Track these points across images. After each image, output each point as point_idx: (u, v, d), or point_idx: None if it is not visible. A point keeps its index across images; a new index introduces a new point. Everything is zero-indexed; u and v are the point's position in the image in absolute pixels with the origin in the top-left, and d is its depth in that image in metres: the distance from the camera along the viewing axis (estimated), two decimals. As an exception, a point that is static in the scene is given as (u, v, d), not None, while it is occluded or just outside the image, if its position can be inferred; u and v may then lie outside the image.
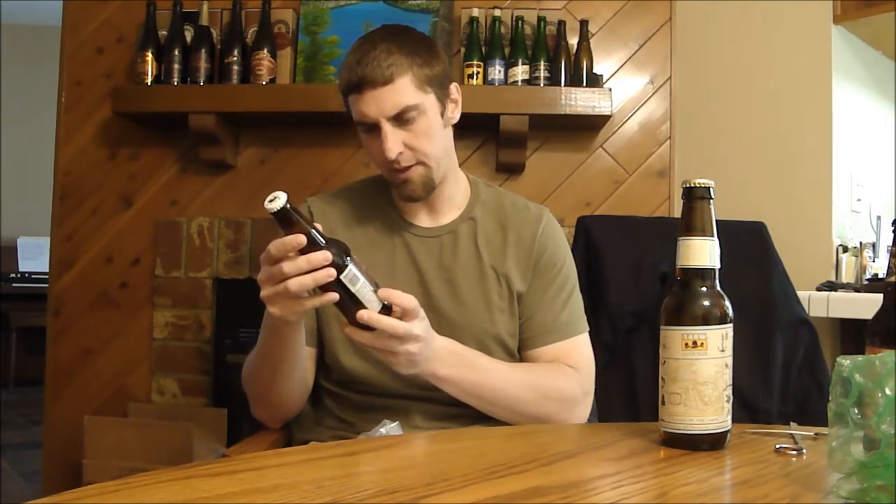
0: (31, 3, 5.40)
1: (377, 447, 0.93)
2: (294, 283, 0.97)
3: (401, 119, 1.19)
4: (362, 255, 1.27)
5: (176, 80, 2.19)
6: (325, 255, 0.96)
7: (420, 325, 1.04)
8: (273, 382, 1.22)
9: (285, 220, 0.96)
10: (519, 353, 1.31)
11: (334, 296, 0.99)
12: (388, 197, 1.33)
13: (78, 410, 2.26)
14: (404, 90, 1.18)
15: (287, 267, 0.97)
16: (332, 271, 0.97)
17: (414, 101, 1.19)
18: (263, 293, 1.02)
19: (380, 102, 1.17)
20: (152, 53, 2.20)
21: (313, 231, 0.97)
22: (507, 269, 1.29)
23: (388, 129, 1.18)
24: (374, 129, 1.20)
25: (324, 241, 0.98)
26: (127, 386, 2.32)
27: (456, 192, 1.33)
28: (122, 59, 2.35)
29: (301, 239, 0.96)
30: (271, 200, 0.95)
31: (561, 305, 1.30)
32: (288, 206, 0.95)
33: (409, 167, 1.21)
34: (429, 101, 1.21)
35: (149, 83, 2.19)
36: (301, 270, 0.97)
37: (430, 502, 0.66)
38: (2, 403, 4.80)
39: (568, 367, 1.27)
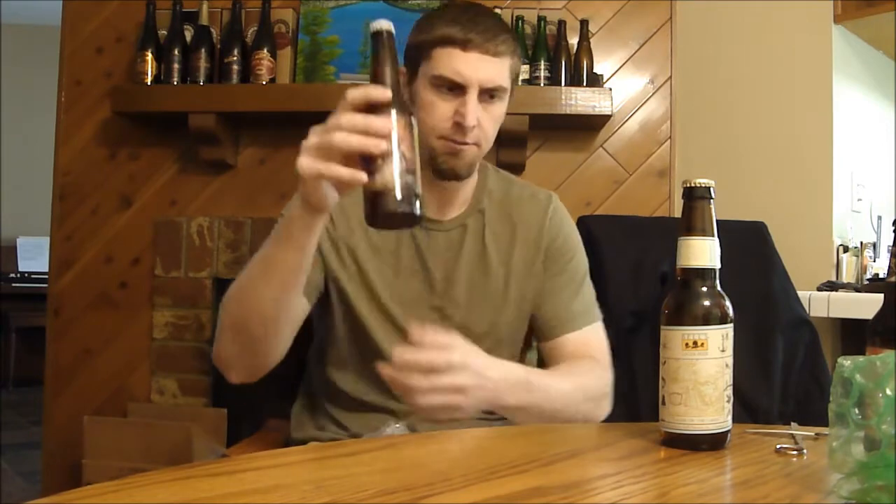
0: (31, 3, 5.40)
1: (377, 447, 0.92)
2: (339, 137, 0.88)
3: (488, 95, 1.17)
4: (371, 249, 1.26)
5: (176, 79, 2.19)
6: (386, 126, 0.87)
7: (458, 353, 0.99)
8: (270, 307, 1.09)
9: (381, 47, 0.91)
10: (537, 344, 1.29)
11: (362, 177, 0.89)
12: None
13: (78, 410, 2.26)
14: (504, 71, 1.18)
15: (345, 120, 0.89)
16: (384, 144, 0.88)
17: (506, 85, 1.19)
18: (308, 140, 0.94)
19: (483, 69, 1.15)
20: (152, 53, 2.20)
21: (397, 74, 0.91)
22: (514, 264, 1.28)
23: (474, 98, 1.15)
24: (454, 90, 1.16)
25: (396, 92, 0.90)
26: (127, 386, 2.32)
27: (472, 185, 1.30)
28: (121, 58, 2.34)
29: (381, 95, 0.89)
30: (381, 22, 0.91)
31: (573, 293, 1.29)
32: (393, 35, 0.91)
33: (468, 143, 1.18)
34: (507, 92, 1.21)
35: (149, 83, 2.19)
36: (356, 129, 0.88)
37: (430, 502, 0.66)
38: (2, 403, 4.80)
39: (594, 362, 1.25)
